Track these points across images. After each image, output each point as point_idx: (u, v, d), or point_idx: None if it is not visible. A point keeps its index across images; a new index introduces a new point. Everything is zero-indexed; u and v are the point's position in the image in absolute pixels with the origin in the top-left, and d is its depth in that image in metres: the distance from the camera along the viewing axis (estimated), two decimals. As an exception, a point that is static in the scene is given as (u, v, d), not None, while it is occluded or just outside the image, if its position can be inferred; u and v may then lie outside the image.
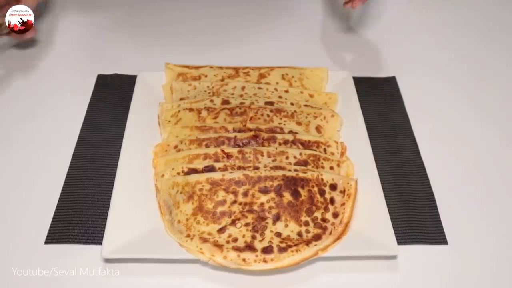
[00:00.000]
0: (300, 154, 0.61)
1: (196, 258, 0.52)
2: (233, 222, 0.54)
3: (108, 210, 0.54)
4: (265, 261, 0.51)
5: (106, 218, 0.53)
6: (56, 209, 0.57)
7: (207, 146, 0.62)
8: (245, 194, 0.56)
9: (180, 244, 0.53)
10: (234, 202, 0.55)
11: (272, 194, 0.56)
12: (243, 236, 0.53)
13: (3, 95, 0.71)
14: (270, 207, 0.55)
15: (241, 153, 0.60)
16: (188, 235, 0.53)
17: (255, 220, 0.54)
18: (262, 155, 0.60)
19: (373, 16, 0.88)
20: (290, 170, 0.59)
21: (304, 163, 0.60)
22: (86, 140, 0.65)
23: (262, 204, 0.55)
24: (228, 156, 0.60)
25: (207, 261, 0.51)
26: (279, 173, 0.58)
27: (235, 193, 0.56)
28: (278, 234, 0.53)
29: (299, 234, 0.54)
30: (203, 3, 0.90)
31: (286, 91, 0.71)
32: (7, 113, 0.69)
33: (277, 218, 0.54)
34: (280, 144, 0.62)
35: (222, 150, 0.60)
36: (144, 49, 0.81)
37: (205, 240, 0.52)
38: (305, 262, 0.53)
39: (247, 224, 0.54)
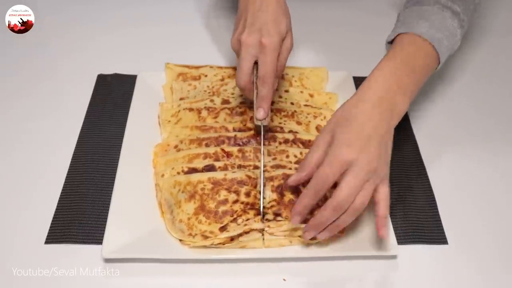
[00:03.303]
0: (301, 153, 0.61)
1: (197, 258, 0.52)
2: (235, 220, 0.54)
3: (108, 210, 0.54)
4: (263, 222, 0.53)
5: (106, 218, 0.53)
6: (56, 209, 0.57)
7: (207, 145, 0.62)
8: (248, 194, 0.56)
9: (182, 241, 0.53)
10: (236, 201, 0.55)
11: (274, 195, 0.56)
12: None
13: (3, 96, 0.71)
14: (272, 206, 0.55)
15: (241, 152, 0.60)
16: (190, 234, 0.53)
17: (257, 215, 0.54)
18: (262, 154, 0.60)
19: (373, 16, 0.88)
20: (290, 169, 0.59)
21: (305, 162, 0.60)
22: (86, 140, 0.65)
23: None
24: (228, 155, 0.60)
25: (211, 243, 0.52)
26: (280, 172, 0.58)
27: (237, 192, 0.56)
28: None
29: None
30: (203, 3, 0.90)
31: (286, 91, 0.71)
32: (7, 113, 0.68)
33: (278, 214, 0.55)
34: (280, 143, 0.62)
35: (222, 149, 0.60)
36: (144, 49, 0.81)
37: (206, 238, 0.52)
38: (305, 260, 0.53)
39: (248, 220, 0.54)
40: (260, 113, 0.57)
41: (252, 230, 0.53)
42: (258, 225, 0.53)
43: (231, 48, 0.60)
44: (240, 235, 0.53)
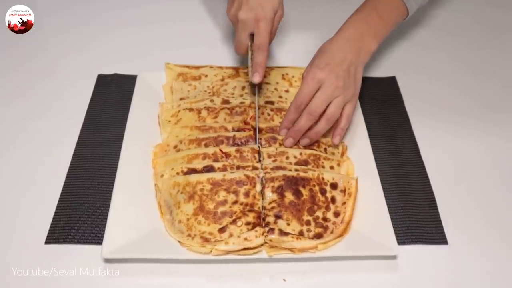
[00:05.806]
0: (300, 154, 0.61)
1: (197, 258, 0.52)
2: (234, 221, 0.54)
3: (108, 210, 0.54)
4: (265, 235, 0.52)
5: (106, 218, 0.53)
6: (56, 209, 0.57)
7: (206, 145, 0.62)
8: (247, 194, 0.56)
9: (181, 243, 0.53)
10: (235, 202, 0.55)
11: (274, 196, 0.56)
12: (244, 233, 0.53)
13: (4, 95, 0.71)
14: (272, 207, 0.55)
15: (239, 152, 0.60)
16: (189, 235, 0.53)
17: (256, 219, 0.54)
18: (261, 156, 0.60)
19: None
20: (290, 170, 0.59)
21: (305, 162, 0.60)
22: (86, 140, 0.65)
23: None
24: (227, 155, 0.60)
25: (209, 252, 0.51)
26: (280, 173, 0.58)
27: (236, 193, 0.56)
28: (280, 230, 0.53)
29: (301, 233, 0.54)
30: (203, 2, 0.90)
31: (286, 91, 0.71)
32: (7, 113, 0.69)
33: (278, 216, 0.55)
34: (280, 144, 0.62)
35: (221, 150, 0.60)
36: (144, 49, 0.81)
37: (206, 240, 0.52)
38: (305, 260, 0.53)
39: (248, 223, 0.54)
40: (256, 78, 0.63)
41: (251, 248, 0.52)
42: (259, 240, 0.52)
43: (229, 20, 0.67)
44: (239, 249, 0.52)
